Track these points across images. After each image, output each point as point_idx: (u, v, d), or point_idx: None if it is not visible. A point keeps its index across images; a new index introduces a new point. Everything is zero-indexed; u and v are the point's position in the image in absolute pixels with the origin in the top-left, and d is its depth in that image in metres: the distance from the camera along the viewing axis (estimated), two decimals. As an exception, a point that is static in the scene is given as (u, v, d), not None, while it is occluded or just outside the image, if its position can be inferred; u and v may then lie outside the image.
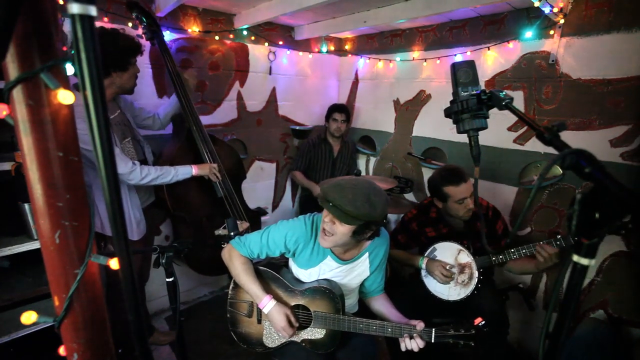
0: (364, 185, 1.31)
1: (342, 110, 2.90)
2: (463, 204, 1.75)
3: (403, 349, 1.33)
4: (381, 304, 1.56)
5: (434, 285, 1.81)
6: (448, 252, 1.81)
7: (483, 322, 1.27)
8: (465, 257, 1.77)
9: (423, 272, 1.84)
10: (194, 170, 1.94)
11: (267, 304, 1.40)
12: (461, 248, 1.78)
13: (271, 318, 1.41)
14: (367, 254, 1.51)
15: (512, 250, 1.73)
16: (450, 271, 1.76)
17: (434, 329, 1.31)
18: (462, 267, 1.77)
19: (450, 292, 1.77)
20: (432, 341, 1.30)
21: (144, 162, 1.97)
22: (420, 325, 1.32)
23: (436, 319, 1.37)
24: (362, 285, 1.60)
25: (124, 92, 1.79)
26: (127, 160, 1.71)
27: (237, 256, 1.48)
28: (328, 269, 1.49)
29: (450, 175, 1.77)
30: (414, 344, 1.30)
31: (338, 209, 1.23)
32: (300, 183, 3.03)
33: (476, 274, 1.73)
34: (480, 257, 1.77)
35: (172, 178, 1.87)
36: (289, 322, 1.39)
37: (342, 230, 1.29)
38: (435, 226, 1.93)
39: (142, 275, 2.20)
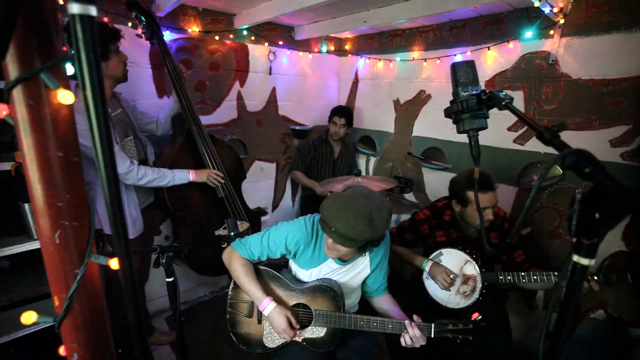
0: (366, 203, 1.25)
1: (343, 114, 2.86)
2: (483, 213, 1.66)
3: (403, 344, 1.33)
4: (386, 305, 1.56)
5: (434, 289, 1.79)
6: (454, 260, 1.76)
7: (480, 317, 1.29)
8: (472, 270, 1.72)
9: (425, 274, 1.81)
10: (191, 176, 1.93)
11: (268, 306, 1.40)
12: (469, 259, 1.73)
13: (272, 320, 1.40)
14: (367, 253, 1.51)
15: (523, 274, 1.67)
16: (453, 280, 1.72)
17: (433, 324, 1.33)
18: (467, 279, 1.72)
19: (450, 299, 1.74)
20: (432, 336, 1.32)
21: (144, 162, 1.97)
22: (417, 318, 1.35)
23: (436, 320, 1.37)
24: (364, 284, 1.60)
25: (118, 81, 1.77)
26: (125, 159, 1.70)
27: (237, 258, 1.47)
28: (329, 270, 1.49)
29: (478, 180, 1.68)
30: (412, 332, 1.31)
31: (340, 236, 1.23)
32: (301, 182, 3.02)
33: (479, 287, 1.68)
34: (486, 272, 1.71)
35: (169, 182, 1.86)
36: (290, 324, 1.39)
37: (345, 249, 1.30)
38: (447, 230, 1.87)
39: (142, 275, 2.20)
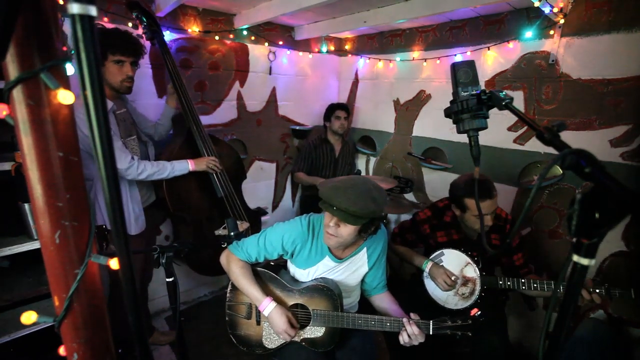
0: (364, 183, 1.32)
1: (343, 107, 2.91)
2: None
3: (402, 342, 1.33)
4: (385, 303, 1.56)
5: (433, 289, 1.78)
6: (455, 261, 1.75)
7: (479, 313, 1.29)
8: (472, 272, 1.71)
9: (425, 274, 1.81)
10: (190, 165, 1.93)
11: (267, 307, 1.40)
12: (469, 261, 1.72)
13: (272, 321, 1.40)
14: (364, 249, 1.51)
15: (523, 280, 1.65)
16: (454, 282, 1.71)
17: (431, 321, 1.33)
18: (466, 281, 1.72)
19: (448, 300, 1.74)
20: (431, 333, 1.32)
21: (145, 162, 1.97)
22: (414, 315, 1.35)
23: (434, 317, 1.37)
24: (363, 282, 1.60)
25: (114, 90, 1.72)
26: (127, 155, 1.70)
27: (235, 260, 1.48)
28: (326, 268, 1.49)
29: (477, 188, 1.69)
30: (410, 330, 1.30)
31: (343, 212, 1.23)
32: (304, 182, 2.97)
33: (478, 290, 1.68)
34: (487, 276, 1.70)
35: (169, 174, 1.86)
36: (290, 324, 1.39)
37: (348, 230, 1.30)
38: (447, 230, 1.87)
39: (145, 276, 2.20)
